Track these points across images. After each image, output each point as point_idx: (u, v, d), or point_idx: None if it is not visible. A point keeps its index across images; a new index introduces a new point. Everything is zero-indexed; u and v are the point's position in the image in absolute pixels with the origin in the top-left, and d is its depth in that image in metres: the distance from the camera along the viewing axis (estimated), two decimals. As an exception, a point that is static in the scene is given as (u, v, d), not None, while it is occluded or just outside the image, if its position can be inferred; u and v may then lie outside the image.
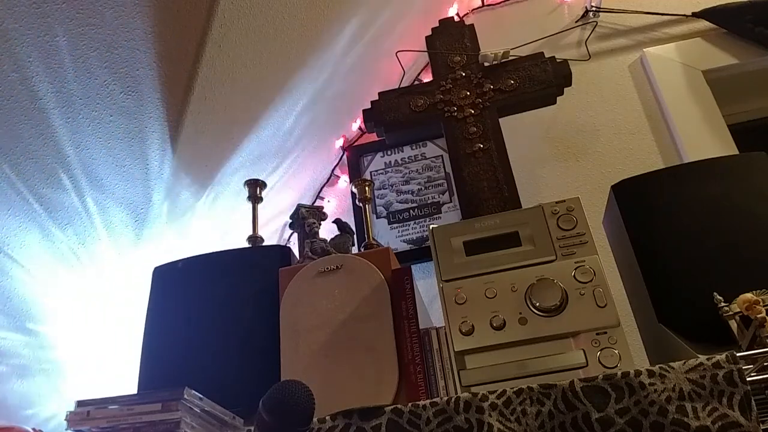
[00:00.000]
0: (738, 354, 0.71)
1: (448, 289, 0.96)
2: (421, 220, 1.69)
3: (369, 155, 1.82)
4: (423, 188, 1.74)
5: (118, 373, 1.33)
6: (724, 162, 1.05)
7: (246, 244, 1.25)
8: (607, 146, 1.65)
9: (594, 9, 1.81)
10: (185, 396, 0.77)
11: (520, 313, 0.91)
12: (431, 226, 1.04)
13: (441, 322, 0.97)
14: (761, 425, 0.66)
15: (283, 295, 1.06)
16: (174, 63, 1.22)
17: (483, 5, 1.94)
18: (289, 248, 1.20)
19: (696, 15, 1.71)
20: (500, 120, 1.33)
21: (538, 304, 0.91)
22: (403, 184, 1.76)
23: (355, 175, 1.77)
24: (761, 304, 0.81)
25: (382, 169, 1.79)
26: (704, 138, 1.55)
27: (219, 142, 1.45)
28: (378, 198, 1.75)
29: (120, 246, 1.35)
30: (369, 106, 1.40)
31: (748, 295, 0.83)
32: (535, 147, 1.69)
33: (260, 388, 0.73)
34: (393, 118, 1.37)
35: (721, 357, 0.71)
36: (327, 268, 1.06)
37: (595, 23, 1.81)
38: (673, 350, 0.89)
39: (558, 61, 1.35)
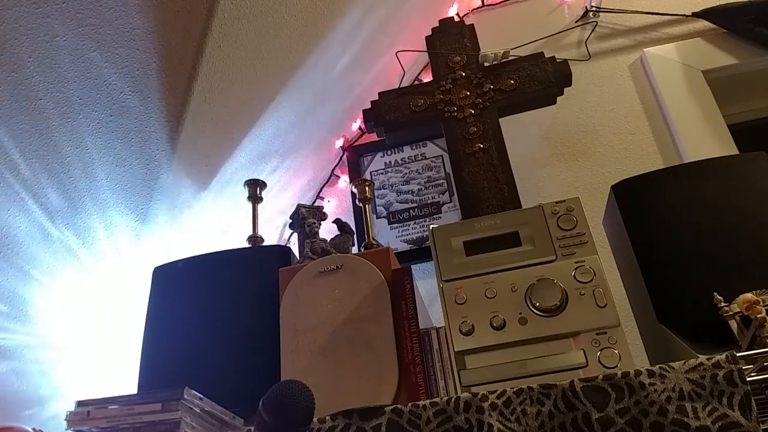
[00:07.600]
0: (738, 354, 0.71)
1: (448, 289, 0.96)
2: (421, 220, 1.69)
3: (369, 155, 1.82)
4: (423, 188, 1.74)
5: (118, 373, 1.33)
6: (724, 162, 1.04)
7: (246, 244, 1.25)
8: (607, 146, 1.65)
9: (594, 9, 1.81)
10: (185, 396, 0.77)
11: (520, 313, 0.91)
12: (431, 226, 1.04)
13: (441, 322, 0.97)
14: (761, 425, 0.66)
15: (283, 295, 1.06)
16: (174, 63, 1.22)
17: (483, 5, 1.94)
18: (289, 248, 1.20)
19: (696, 15, 1.71)
20: (500, 120, 1.33)
21: (538, 304, 0.91)
22: (403, 184, 1.75)
23: (355, 175, 1.77)
24: (761, 304, 0.81)
25: (382, 169, 1.79)
26: (704, 138, 1.55)
27: (219, 142, 1.45)
28: (378, 198, 1.75)
29: (120, 246, 1.35)
30: (369, 106, 1.40)
31: (748, 295, 0.83)
32: (535, 147, 1.69)
33: (260, 388, 0.73)
34: (393, 118, 1.37)
35: (721, 357, 0.71)
36: (327, 268, 1.06)
37: (595, 23, 1.81)
38: (673, 350, 0.89)
39: (558, 61, 1.35)
